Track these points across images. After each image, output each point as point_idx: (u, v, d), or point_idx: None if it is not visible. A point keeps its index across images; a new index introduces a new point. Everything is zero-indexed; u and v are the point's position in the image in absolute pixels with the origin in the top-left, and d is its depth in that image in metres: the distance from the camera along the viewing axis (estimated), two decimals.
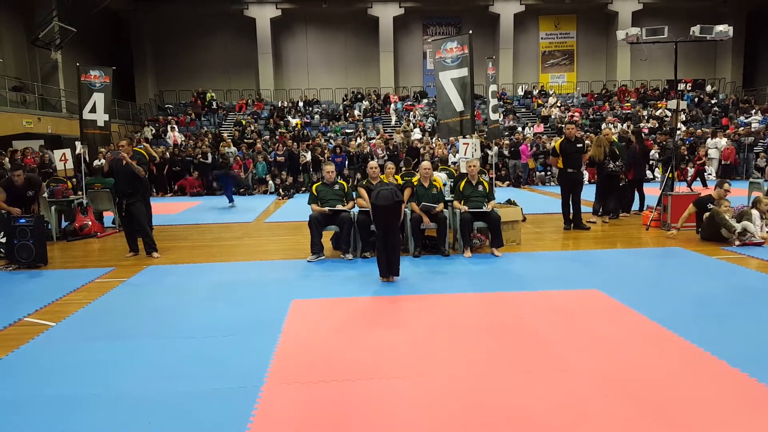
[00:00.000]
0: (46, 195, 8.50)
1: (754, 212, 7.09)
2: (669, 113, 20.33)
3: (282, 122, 21.64)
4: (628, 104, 23.36)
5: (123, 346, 3.90)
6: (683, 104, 22.09)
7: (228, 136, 19.76)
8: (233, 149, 17.29)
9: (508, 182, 16.42)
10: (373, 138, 18.97)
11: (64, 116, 19.74)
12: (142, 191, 7.27)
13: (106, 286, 5.64)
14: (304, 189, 15.48)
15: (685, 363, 3.37)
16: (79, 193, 9.31)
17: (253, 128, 20.71)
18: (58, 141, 17.30)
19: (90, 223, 8.80)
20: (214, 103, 24.10)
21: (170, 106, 24.77)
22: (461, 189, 6.85)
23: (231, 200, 12.69)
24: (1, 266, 6.62)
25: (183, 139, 19.76)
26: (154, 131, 20.91)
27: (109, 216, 9.74)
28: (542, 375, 3.25)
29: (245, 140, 19.02)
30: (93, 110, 9.68)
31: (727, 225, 6.94)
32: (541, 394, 3.01)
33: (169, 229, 9.52)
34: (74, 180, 9.77)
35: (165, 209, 12.15)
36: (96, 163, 10.78)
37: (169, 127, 20.65)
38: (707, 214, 7.19)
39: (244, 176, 16.04)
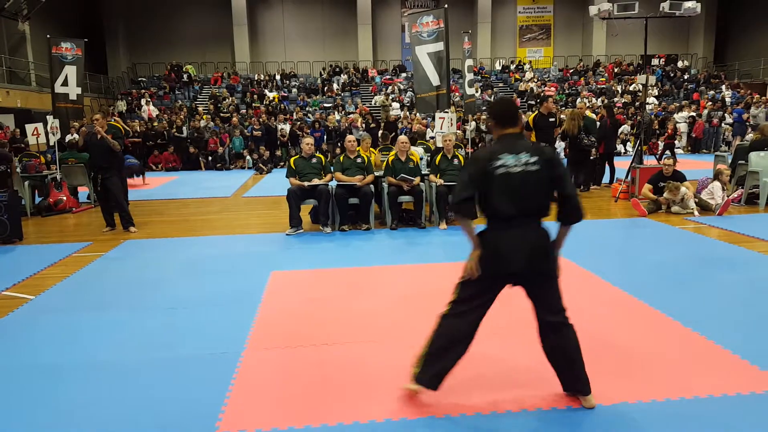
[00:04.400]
0: (19, 170, 8.38)
1: (716, 183, 7.40)
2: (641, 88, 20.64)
3: (256, 96, 21.29)
4: (603, 79, 23.60)
5: (104, 317, 3.97)
6: (654, 79, 22.34)
7: (203, 110, 19.46)
8: (210, 124, 17.08)
9: None
10: (352, 112, 18.89)
11: (34, 90, 19.15)
12: (118, 166, 7.23)
13: (84, 260, 5.67)
14: (282, 164, 15.42)
15: (642, 324, 3.60)
16: (53, 167, 9.18)
17: (229, 102, 20.38)
18: (29, 115, 16.84)
19: (65, 198, 8.71)
20: (185, 76, 23.55)
21: (143, 79, 24.18)
22: (437, 163, 6.98)
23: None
24: None
25: (158, 113, 19.39)
26: (126, 106, 20.45)
27: (84, 191, 9.64)
28: (508, 336, 3.45)
29: (221, 114, 18.77)
30: (65, 83, 9.52)
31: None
32: (506, 352, 3.21)
33: (145, 203, 9.48)
34: (48, 155, 9.62)
35: (141, 184, 12.04)
36: (68, 137, 10.58)
37: (143, 100, 20.21)
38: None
39: (221, 151, 15.89)
